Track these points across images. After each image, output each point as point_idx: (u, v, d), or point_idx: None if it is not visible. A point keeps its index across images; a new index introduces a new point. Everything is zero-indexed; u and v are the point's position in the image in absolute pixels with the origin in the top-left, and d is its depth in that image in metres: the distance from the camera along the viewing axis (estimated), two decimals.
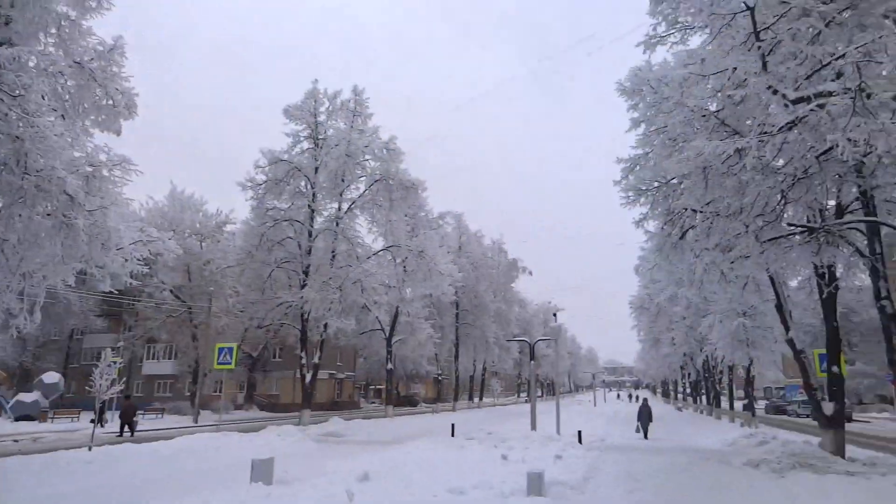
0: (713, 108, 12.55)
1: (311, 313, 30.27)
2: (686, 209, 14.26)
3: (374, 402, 72.56)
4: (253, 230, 32.25)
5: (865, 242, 13.38)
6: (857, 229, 13.57)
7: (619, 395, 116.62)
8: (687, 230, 15.73)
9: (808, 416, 44.44)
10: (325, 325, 30.66)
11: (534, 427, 24.54)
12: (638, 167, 17.75)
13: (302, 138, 31.96)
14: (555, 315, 30.17)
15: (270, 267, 32.36)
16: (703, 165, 11.82)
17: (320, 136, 31.77)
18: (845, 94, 8.70)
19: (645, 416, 25.80)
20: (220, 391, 40.75)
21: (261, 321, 37.21)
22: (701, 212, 13.96)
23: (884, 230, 13.55)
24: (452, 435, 22.05)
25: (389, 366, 40.03)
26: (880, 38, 8.54)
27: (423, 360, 61.36)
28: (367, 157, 31.78)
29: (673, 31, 11.96)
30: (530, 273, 56.69)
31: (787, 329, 17.85)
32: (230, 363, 26.60)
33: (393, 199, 31.31)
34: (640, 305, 51.98)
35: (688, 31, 11.94)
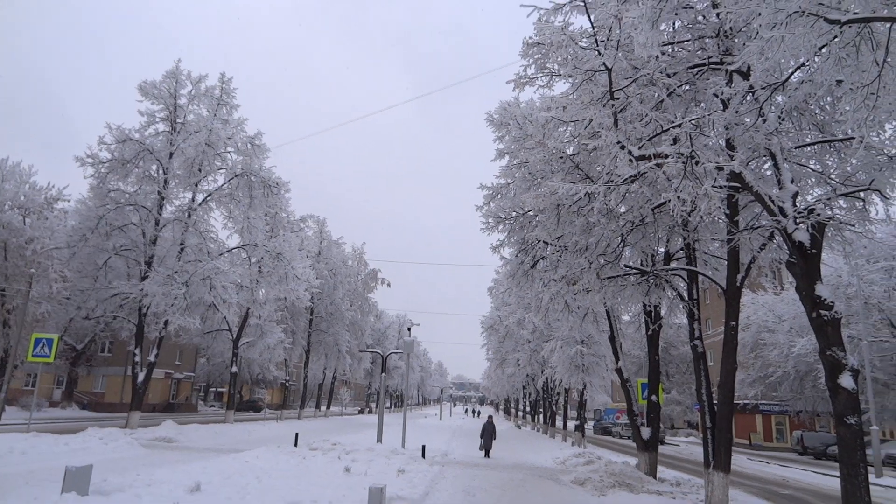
0: (570, 151, 13.72)
1: (150, 308, 28.49)
2: (539, 241, 15.40)
3: (213, 406, 69.26)
4: (90, 211, 29.83)
5: (685, 287, 15.24)
6: (680, 276, 15.41)
7: (466, 410, 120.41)
8: (538, 260, 16.94)
9: (629, 438, 48.91)
10: (166, 322, 28.96)
11: (380, 439, 24.85)
12: (499, 196, 18.82)
13: (158, 119, 30.07)
14: (409, 329, 30.78)
15: (107, 254, 30.16)
16: (557, 203, 12.83)
17: (179, 120, 30.10)
18: (679, 158, 9.98)
19: (488, 433, 25.91)
20: (34, 385, 36.86)
21: (90, 311, 34.31)
22: (552, 245, 15.13)
23: (700, 279, 15.50)
24: (295, 444, 21.75)
25: (234, 368, 38.48)
26: (709, 115, 9.93)
27: (270, 365, 59.58)
28: (229, 149, 30.64)
29: (541, 74, 12.92)
30: (388, 284, 57.17)
31: (616, 358, 19.70)
32: (48, 356, 24.17)
33: (253, 196, 30.42)
34: (490, 326, 54.23)
35: (554, 77, 12.97)
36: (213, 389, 75.88)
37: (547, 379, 39.48)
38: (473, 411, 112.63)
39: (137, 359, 29.01)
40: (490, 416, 27.19)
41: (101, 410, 45.48)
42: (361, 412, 76.93)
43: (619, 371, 19.81)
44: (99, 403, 47.35)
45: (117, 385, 48.80)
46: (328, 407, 66.47)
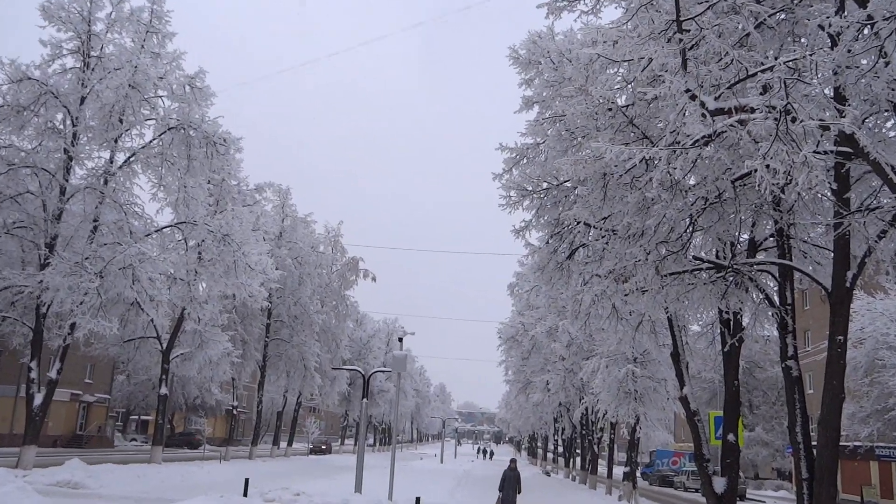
0: (622, 101, 13.70)
1: (52, 306, 28.69)
2: (578, 222, 15.39)
3: (135, 440, 69.87)
4: None
5: (776, 288, 15.22)
6: (769, 272, 15.39)
7: (478, 450, 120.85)
8: (577, 248, 16.93)
9: (696, 491, 49.14)
10: (73, 326, 29.17)
11: (359, 488, 25.06)
12: (525, 160, 18.80)
13: (65, 52, 30.17)
14: (401, 339, 30.88)
15: None
16: (604, 171, 12.83)
17: (93, 54, 30.19)
18: (769, 112, 9.96)
19: (511, 485, 25.08)
20: None
21: None
22: (595, 228, 15.14)
23: (797, 276, 15.47)
24: (245, 493, 21.99)
25: (164, 390, 38.80)
26: (812, 54, 9.90)
27: (213, 386, 59.87)
28: (160, 92, 30.82)
29: None
30: (374, 279, 57.31)
31: (681, 383, 19.73)
32: None
33: (192, 156, 30.53)
34: (511, 336, 54.39)
35: (602, 0, 12.97)
36: (136, 417, 76.41)
37: (587, 409, 39.57)
38: (486, 451, 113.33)
39: (34, 375, 29.27)
40: (514, 462, 26.78)
41: None
42: (317, 451, 75.86)
43: (684, 400, 19.82)
44: None
45: (6, 410, 49.22)
46: (290, 443, 66.95)
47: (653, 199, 12.83)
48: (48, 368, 30.05)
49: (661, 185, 12.01)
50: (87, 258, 28.43)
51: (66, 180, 29.86)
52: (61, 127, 29.92)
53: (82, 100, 29.61)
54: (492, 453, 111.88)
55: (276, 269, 43.57)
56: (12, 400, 48.64)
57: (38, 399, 28.97)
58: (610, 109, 13.46)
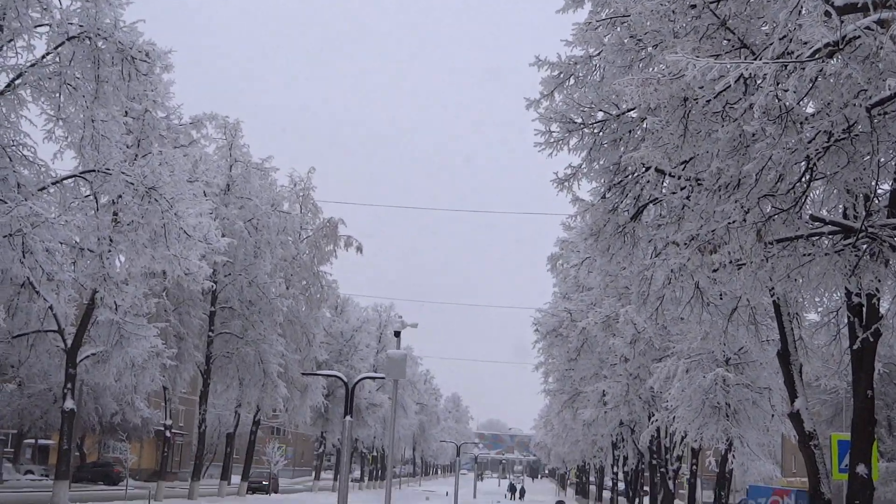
0: None
1: None
2: (647, 168, 15.23)
3: (31, 473, 70.41)
4: None
5: None
6: None
7: (510, 489, 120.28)
8: (646, 205, 16.83)
9: None
10: None
11: None
12: (573, 80, 18.56)
13: None
14: (398, 334, 30.83)
15: None
16: (684, 95, 12.66)
17: None
18: None
19: None
20: None
21: None
22: (672, 175, 14.98)
23: None
24: None
25: (70, 404, 39.03)
26: None
27: (137, 398, 60.26)
28: None
29: None
30: (360, 249, 57.45)
31: (792, 394, 19.65)
32: None
33: (102, 77, 30.33)
34: (552, 329, 53.94)
35: None
36: (32, 441, 77.02)
37: (658, 430, 39.66)
38: (515, 489, 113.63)
39: None
40: None
41: None
42: (257, 489, 75.04)
43: (795, 417, 19.75)
44: None
45: None
46: (245, 476, 67.05)
47: (754, 135, 12.68)
48: None
49: (767, 114, 11.87)
50: None
51: None
52: None
53: None
54: (522, 491, 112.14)
55: (223, 235, 43.63)
56: None
57: None
58: (693, 6, 13.29)
